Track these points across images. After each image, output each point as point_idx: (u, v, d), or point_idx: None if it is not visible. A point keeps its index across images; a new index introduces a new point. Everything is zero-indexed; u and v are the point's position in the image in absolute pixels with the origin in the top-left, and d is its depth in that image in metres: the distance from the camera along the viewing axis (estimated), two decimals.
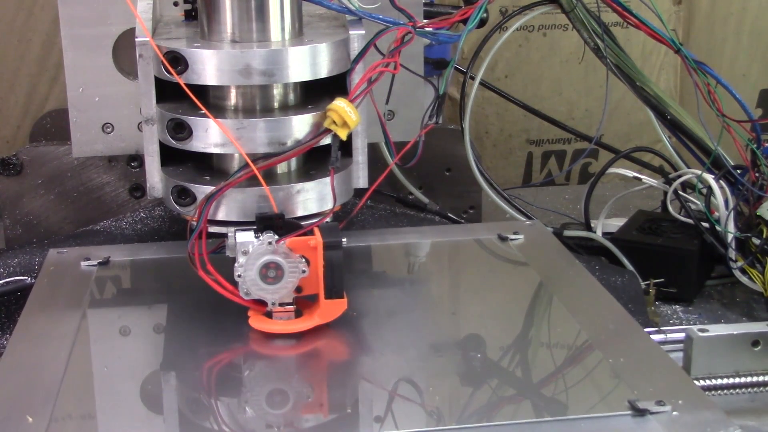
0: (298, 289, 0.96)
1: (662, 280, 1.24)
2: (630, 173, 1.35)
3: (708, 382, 0.98)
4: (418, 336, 0.98)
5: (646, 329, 1.11)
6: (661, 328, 1.11)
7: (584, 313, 1.00)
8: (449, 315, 1.06)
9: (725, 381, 0.98)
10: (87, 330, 0.99)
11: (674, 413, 0.81)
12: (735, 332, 1.01)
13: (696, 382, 0.97)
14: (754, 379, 0.99)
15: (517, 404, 0.87)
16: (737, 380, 0.99)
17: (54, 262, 1.13)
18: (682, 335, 1.04)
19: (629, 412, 0.81)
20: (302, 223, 0.96)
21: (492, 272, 1.15)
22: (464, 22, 1.04)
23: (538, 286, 1.09)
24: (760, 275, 1.20)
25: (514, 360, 0.95)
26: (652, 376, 0.87)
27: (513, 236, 1.19)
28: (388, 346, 0.95)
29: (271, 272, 0.94)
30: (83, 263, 1.13)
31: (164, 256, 1.16)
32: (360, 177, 1.05)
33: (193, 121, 0.97)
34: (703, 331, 1.00)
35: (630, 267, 1.27)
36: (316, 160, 1.02)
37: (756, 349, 1.01)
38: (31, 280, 1.16)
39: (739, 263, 1.22)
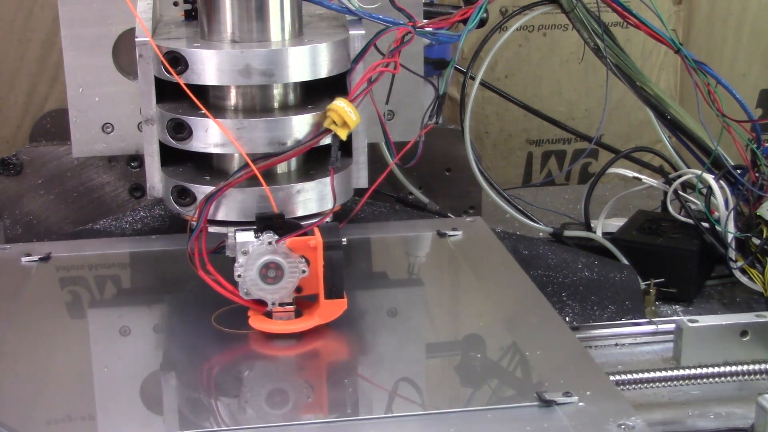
0: (298, 289, 0.96)
1: (662, 280, 1.24)
2: (630, 173, 1.35)
3: (697, 371, 1.00)
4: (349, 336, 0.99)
5: (638, 319, 1.15)
6: (653, 320, 1.12)
7: (509, 308, 1.03)
8: (377, 312, 1.05)
9: (714, 370, 1.00)
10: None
11: (580, 404, 0.83)
12: (724, 323, 1.03)
13: (685, 371, 0.99)
14: (743, 368, 1.00)
15: (427, 394, 0.89)
16: (726, 369, 1.00)
17: None
18: (672, 326, 1.06)
19: (536, 403, 0.83)
20: (302, 223, 0.96)
21: (425, 268, 1.16)
22: (464, 22, 1.04)
23: (467, 281, 1.11)
24: (760, 275, 1.20)
25: (431, 349, 0.97)
26: (566, 368, 0.89)
27: (451, 233, 1.21)
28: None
29: (271, 272, 0.94)
30: (24, 259, 1.14)
31: (106, 251, 1.18)
32: (360, 177, 1.05)
33: (193, 121, 0.97)
34: (693, 321, 1.03)
35: (626, 263, 1.27)
36: (316, 160, 1.02)
37: (744, 339, 1.03)
38: None
39: (739, 263, 1.22)
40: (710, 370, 1.00)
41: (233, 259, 0.95)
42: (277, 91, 1.01)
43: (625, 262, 1.28)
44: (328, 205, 0.99)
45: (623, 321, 1.17)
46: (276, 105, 1.01)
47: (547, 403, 0.83)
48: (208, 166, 1.03)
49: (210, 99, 1.00)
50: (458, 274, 1.14)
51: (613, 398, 0.84)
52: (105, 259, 1.16)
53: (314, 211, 0.99)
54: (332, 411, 0.87)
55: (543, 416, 0.82)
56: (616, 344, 1.13)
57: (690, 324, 1.02)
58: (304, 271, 0.94)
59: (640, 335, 1.14)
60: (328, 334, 0.96)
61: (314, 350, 0.95)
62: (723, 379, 1.00)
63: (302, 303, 0.97)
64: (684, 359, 1.02)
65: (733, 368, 1.00)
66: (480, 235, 1.22)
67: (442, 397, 0.89)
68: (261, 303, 0.96)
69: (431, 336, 1.01)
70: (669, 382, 0.98)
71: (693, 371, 0.99)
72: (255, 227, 0.95)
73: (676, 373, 0.99)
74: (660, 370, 0.99)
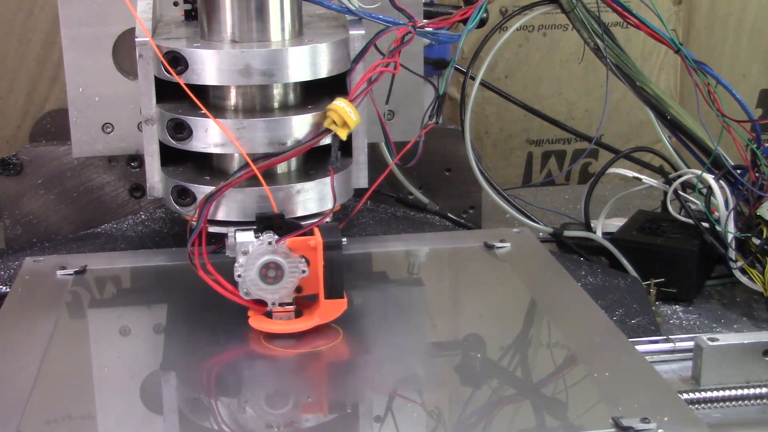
0: (298, 289, 0.96)
1: (662, 280, 1.24)
2: (630, 173, 1.35)
3: (718, 393, 0.97)
4: (412, 340, 0.98)
5: (655, 337, 1.10)
6: (670, 337, 1.09)
7: (570, 326, 0.99)
8: (431, 329, 1.03)
9: (736, 392, 0.97)
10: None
11: (660, 431, 0.80)
12: (746, 342, 0.99)
13: (705, 393, 0.96)
14: (765, 390, 0.97)
15: (497, 421, 0.85)
16: (748, 391, 0.97)
17: (29, 270, 1.11)
18: (691, 344, 1.02)
19: (613, 429, 0.80)
20: (302, 223, 0.96)
21: (477, 282, 1.12)
22: (464, 22, 1.04)
23: (522, 297, 1.07)
24: (760, 275, 1.20)
25: (496, 373, 0.93)
26: (638, 391, 0.85)
27: (499, 244, 1.17)
28: (388, 348, 0.95)
29: (271, 272, 0.94)
30: (59, 272, 1.10)
31: (142, 264, 1.15)
32: (360, 177, 1.05)
33: (193, 121, 0.97)
34: (713, 340, 0.99)
35: (633, 273, 1.27)
36: (316, 160, 1.02)
37: (767, 358, 1.00)
38: (6, 288, 1.14)
39: (739, 263, 1.22)
40: (733, 393, 0.96)
41: (233, 259, 0.95)
42: (277, 91, 1.01)
43: (629, 267, 1.28)
44: (328, 205, 0.99)
45: (640, 339, 1.11)
46: (276, 105, 1.01)
47: (625, 430, 0.79)
48: (208, 166, 1.03)
49: (210, 99, 1.00)
50: (510, 289, 1.09)
51: (692, 424, 0.80)
52: (141, 272, 1.13)
53: (314, 211, 0.99)
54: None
55: None
56: None
57: (710, 343, 0.98)
58: (304, 271, 0.94)
59: (658, 353, 1.09)
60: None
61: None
62: (745, 402, 0.96)
63: (302, 303, 0.97)
64: (704, 379, 0.99)
65: (757, 390, 0.97)
66: (529, 247, 1.17)
67: (516, 423, 0.84)
68: (261, 303, 0.96)
69: (489, 354, 0.96)
70: (690, 406, 0.94)
71: (715, 394, 0.96)
72: (255, 227, 0.95)
73: (697, 395, 0.95)
74: (680, 392, 0.95)
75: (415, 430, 0.83)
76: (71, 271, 1.11)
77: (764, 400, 0.97)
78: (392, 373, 0.91)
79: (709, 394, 0.96)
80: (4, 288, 1.16)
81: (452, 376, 0.92)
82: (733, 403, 0.97)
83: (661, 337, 1.09)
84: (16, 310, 1.02)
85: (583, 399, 0.87)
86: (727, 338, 1.00)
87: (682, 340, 1.08)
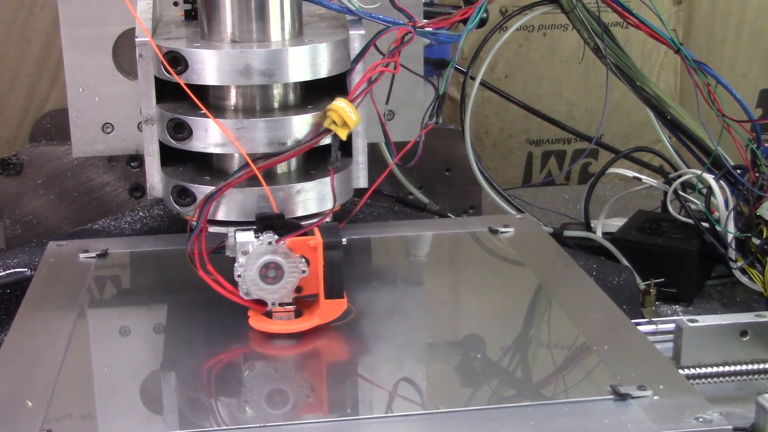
0: (298, 289, 0.96)
1: (662, 280, 1.24)
2: (630, 173, 1.35)
3: (697, 370, 1.00)
4: (414, 331, 0.99)
5: (638, 319, 1.13)
6: (652, 319, 1.12)
7: (571, 303, 1.02)
8: (439, 307, 1.07)
9: (714, 369, 1.00)
10: (85, 325, 1.00)
11: (655, 398, 0.83)
12: (724, 322, 1.02)
13: (685, 371, 0.99)
14: (742, 367, 1.01)
15: (501, 388, 0.89)
16: (725, 369, 1.01)
17: (53, 254, 1.14)
18: (672, 326, 1.06)
19: (611, 396, 0.83)
20: (302, 223, 0.96)
21: (482, 264, 1.16)
22: (464, 22, 1.04)
23: (525, 277, 1.10)
24: (760, 275, 1.20)
25: (501, 346, 0.96)
26: (636, 362, 0.89)
27: (503, 229, 1.20)
28: (387, 345, 0.95)
29: (271, 272, 0.94)
30: (82, 255, 1.13)
31: (163, 248, 1.17)
32: (360, 177, 1.05)
33: (193, 121, 0.97)
34: (692, 321, 1.02)
35: (626, 264, 1.27)
36: (316, 160, 1.02)
37: (744, 339, 1.03)
38: (31, 272, 1.17)
39: (739, 263, 1.22)
40: (710, 369, 1.00)
41: (233, 259, 0.95)
42: (277, 91, 1.01)
43: (625, 262, 1.28)
44: (328, 205, 0.99)
45: None
46: (276, 105, 1.01)
47: (623, 397, 0.83)
48: (208, 166, 1.03)
49: (210, 99, 1.00)
50: (514, 270, 1.13)
51: (687, 392, 0.84)
52: (161, 255, 1.16)
53: (314, 211, 0.99)
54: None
55: (620, 410, 0.82)
56: None
57: (690, 324, 1.02)
58: (304, 271, 0.94)
59: None
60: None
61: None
62: (723, 378, 1.00)
63: (302, 303, 0.97)
64: (684, 359, 1.02)
65: (733, 368, 1.00)
66: (532, 232, 1.22)
67: (519, 392, 0.88)
68: (261, 303, 0.96)
69: (495, 330, 1.00)
70: None
71: (693, 371, 1.00)
72: (255, 227, 0.95)
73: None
74: None
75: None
76: (93, 255, 1.14)
77: (741, 377, 1.01)
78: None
79: (687, 371, 1.00)
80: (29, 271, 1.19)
81: (457, 362, 0.93)
82: (712, 380, 1.00)
83: (644, 320, 1.11)
84: (42, 293, 1.05)
85: (583, 370, 0.91)
86: (706, 319, 1.03)
87: (663, 322, 1.11)
